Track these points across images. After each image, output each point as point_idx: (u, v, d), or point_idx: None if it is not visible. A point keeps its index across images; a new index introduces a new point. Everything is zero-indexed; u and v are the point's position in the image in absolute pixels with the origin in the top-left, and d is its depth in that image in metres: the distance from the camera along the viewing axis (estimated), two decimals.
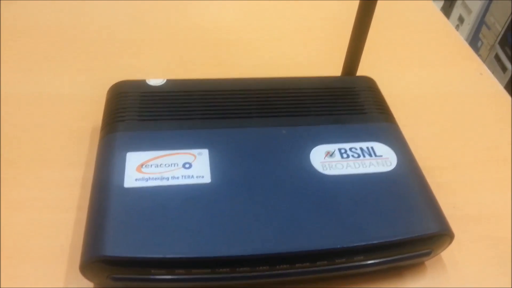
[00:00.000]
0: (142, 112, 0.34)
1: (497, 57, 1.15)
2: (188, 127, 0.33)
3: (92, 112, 0.40)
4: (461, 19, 1.32)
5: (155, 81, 0.37)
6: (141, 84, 0.37)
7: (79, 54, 0.48)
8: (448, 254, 0.32)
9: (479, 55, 1.23)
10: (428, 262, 0.32)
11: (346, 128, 0.35)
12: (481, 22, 1.24)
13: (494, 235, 0.34)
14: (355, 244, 0.28)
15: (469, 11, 1.27)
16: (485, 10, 1.21)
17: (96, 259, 0.26)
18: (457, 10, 1.33)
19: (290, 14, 0.57)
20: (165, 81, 0.37)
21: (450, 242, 0.30)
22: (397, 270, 0.31)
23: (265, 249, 0.27)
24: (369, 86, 0.40)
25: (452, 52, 0.53)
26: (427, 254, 0.30)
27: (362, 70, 0.41)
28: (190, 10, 0.57)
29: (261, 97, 0.37)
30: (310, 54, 0.51)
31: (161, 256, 0.26)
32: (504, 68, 1.11)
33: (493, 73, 1.18)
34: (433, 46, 0.54)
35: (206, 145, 0.32)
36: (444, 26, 0.58)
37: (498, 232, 0.34)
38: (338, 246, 0.27)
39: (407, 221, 0.29)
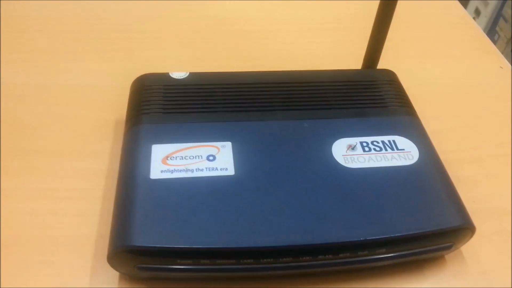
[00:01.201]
0: (166, 105, 0.35)
1: None
2: (211, 120, 0.34)
3: (116, 104, 0.40)
4: (477, 12, 1.30)
5: (178, 74, 0.37)
6: (165, 77, 0.37)
7: (102, 46, 0.49)
8: (468, 248, 0.32)
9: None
10: (448, 256, 0.32)
11: (368, 122, 0.35)
12: (498, 14, 1.22)
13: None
14: (378, 237, 0.28)
15: (485, 3, 1.25)
16: (503, 3, 1.19)
17: (123, 249, 0.26)
18: (474, 2, 1.31)
19: (311, 6, 0.57)
20: (188, 74, 0.38)
21: (471, 236, 0.30)
22: (416, 263, 0.32)
23: (289, 241, 0.27)
24: (390, 79, 0.40)
25: (472, 46, 0.53)
26: (448, 248, 0.30)
27: (382, 63, 0.41)
28: (211, 2, 0.57)
29: (282, 90, 0.37)
30: (330, 47, 0.51)
31: (187, 246, 0.27)
32: None
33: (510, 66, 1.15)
34: (453, 39, 0.53)
35: (229, 138, 0.33)
36: (464, 19, 0.57)
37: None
38: (361, 239, 0.28)
39: (429, 215, 0.29)
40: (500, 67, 0.49)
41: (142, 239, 0.27)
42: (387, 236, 0.28)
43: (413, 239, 0.29)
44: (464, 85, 0.47)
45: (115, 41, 0.50)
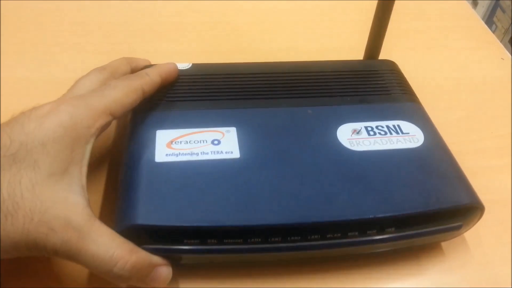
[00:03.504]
0: (170, 93, 0.35)
1: None
2: (215, 107, 0.34)
3: None
4: (475, 3, 1.30)
5: (181, 65, 0.37)
6: None
7: (104, 39, 0.49)
8: (471, 237, 0.33)
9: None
10: (452, 245, 0.32)
11: (371, 108, 0.35)
12: (495, 5, 1.22)
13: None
14: (387, 214, 0.27)
15: None
16: None
17: (129, 228, 0.26)
18: None
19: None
20: (191, 65, 0.37)
21: (481, 216, 0.30)
22: (425, 247, 0.32)
23: (297, 218, 0.27)
24: (392, 69, 0.40)
25: (474, 37, 0.53)
26: (458, 228, 0.30)
27: (384, 55, 0.41)
28: None
29: (285, 79, 0.37)
30: (334, 39, 0.51)
31: (194, 224, 0.26)
32: None
33: None
34: (454, 31, 0.53)
35: (234, 123, 0.32)
36: (465, 10, 0.57)
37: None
38: (370, 216, 0.27)
39: (438, 193, 0.29)
40: (502, 58, 0.49)
41: (147, 217, 0.26)
42: (396, 213, 0.28)
43: (422, 217, 0.28)
44: (465, 77, 0.47)
45: (117, 35, 0.50)
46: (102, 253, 0.24)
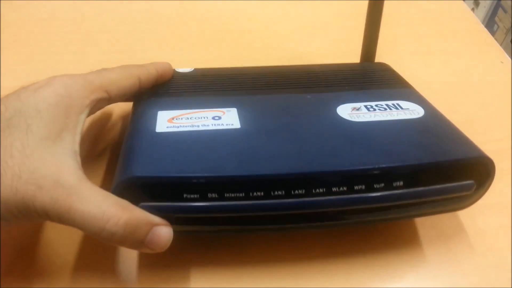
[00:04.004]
0: (171, 86, 0.35)
1: None
2: (216, 95, 0.34)
3: (120, 104, 0.40)
4: (476, 2, 1.30)
5: (184, 69, 0.38)
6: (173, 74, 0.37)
7: (106, 47, 0.49)
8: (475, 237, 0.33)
9: (495, 39, 1.21)
10: (452, 245, 0.32)
11: (369, 92, 0.35)
12: (497, 5, 1.22)
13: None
14: (393, 165, 0.27)
15: None
16: None
17: (125, 181, 0.25)
18: None
19: (312, 5, 0.57)
20: (193, 69, 0.38)
21: (492, 176, 0.29)
22: (437, 212, 0.31)
23: (300, 169, 0.26)
24: (387, 69, 0.40)
25: (473, 40, 0.53)
26: (470, 188, 0.29)
27: (381, 59, 0.41)
28: (211, 3, 0.57)
29: (286, 76, 0.38)
30: (332, 44, 0.52)
31: (192, 175, 0.25)
32: None
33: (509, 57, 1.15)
34: (453, 34, 0.54)
35: (234, 105, 0.32)
36: (465, 13, 0.57)
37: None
38: (376, 166, 0.26)
39: (445, 148, 0.29)
40: (501, 61, 0.50)
41: (145, 170, 0.25)
42: (401, 163, 0.27)
43: (429, 172, 0.27)
44: (464, 80, 0.47)
45: (118, 42, 0.50)
46: (93, 210, 0.23)
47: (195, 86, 0.36)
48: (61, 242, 0.31)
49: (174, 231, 0.26)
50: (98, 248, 0.31)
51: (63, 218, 0.23)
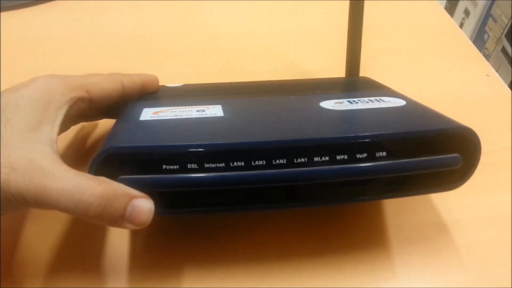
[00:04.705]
0: (159, 96, 0.36)
1: (503, 50, 1.14)
2: (203, 98, 0.35)
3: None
4: (467, 12, 1.31)
5: (173, 85, 0.39)
6: (160, 86, 0.38)
7: (97, 66, 0.50)
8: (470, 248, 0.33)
9: (486, 48, 1.23)
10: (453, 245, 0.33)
11: (352, 94, 0.36)
12: (487, 15, 1.24)
13: (504, 238, 0.35)
14: (376, 133, 0.26)
15: (474, 3, 1.26)
16: (491, 2, 1.20)
17: (104, 153, 0.24)
18: (463, 3, 1.33)
19: (301, 20, 0.58)
20: (182, 84, 0.39)
21: (478, 151, 0.29)
22: (426, 191, 0.30)
23: (281, 137, 0.26)
24: (371, 80, 0.41)
25: (458, 54, 0.54)
26: (456, 162, 0.28)
27: (367, 74, 0.42)
28: (200, 19, 0.58)
29: (271, 85, 0.40)
30: (322, 59, 0.52)
31: (170, 143, 0.25)
32: (511, 61, 1.11)
33: (500, 66, 1.17)
34: (439, 48, 0.54)
35: (219, 103, 0.33)
36: (450, 27, 0.58)
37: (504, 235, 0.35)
38: (358, 134, 0.26)
39: (429, 122, 0.29)
40: (487, 75, 0.50)
41: (122, 142, 0.26)
42: (385, 132, 0.27)
43: (414, 141, 0.27)
44: (450, 94, 0.48)
45: (110, 61, 0.51)
46: (68, 185, 0.23)
47: (183, 95, 0.37)
48: (46, 246, 0.32)
49: (157, 213, 0.25)
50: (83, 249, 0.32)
51: (38, 199, 0.23)
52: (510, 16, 1.11)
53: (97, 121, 0.42)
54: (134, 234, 0.34)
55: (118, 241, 0.33)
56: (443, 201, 0.37)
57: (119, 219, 0.24)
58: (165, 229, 0.34)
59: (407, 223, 0.35)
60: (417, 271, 0.32)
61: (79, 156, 0.39)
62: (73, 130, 0.40)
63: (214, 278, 0.31)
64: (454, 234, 0.34)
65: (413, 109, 0.32)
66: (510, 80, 1.09)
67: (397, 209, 0.36)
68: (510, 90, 0.48)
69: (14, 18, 0.56)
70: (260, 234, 0.34)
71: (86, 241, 0.33)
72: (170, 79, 0.40)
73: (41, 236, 0.33)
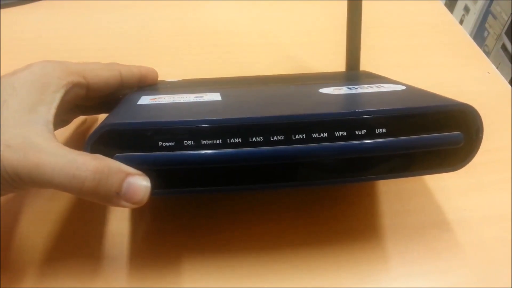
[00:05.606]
0: (158, 88, 0.36)
1: (503, 47, 1.14)
2: (201, 89, 0.35)
3: None
4: (466, 9, 1.31)
5: (172, 79, 0.39)
6: (159, 81, 0.38)
7: None
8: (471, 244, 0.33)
9: (486, 45, 1.22)
10: (453, 245, 0.33)
11: (351, 82, 0.36)
12: (487, 11, 1.23)
13: (504, 236, 0.35)
14: (375, 109, 0.26)
15: (474, 1, 1.26)
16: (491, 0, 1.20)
17: (100, 130, 0.24)
18: (463, 0, 1.32)
19: (302, 16, 0.58)
20: (181, 79, 0.40)
21: (480, 130, 0.28)
22: (429, 172, 0.29)
23: (279, 112, 0.25)
24: (371, 73, 0.41)
25: (459, 51, 0.54)
26: (457, 141, 0.28)
27: (368, 70, 0.42)
28: (200, 15, 0.57)
29: (271, 78, 0.40)
30: (322, 57, 0.52)
31: (166, 120, 0.25)
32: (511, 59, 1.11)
33: (500, 63, 1.16)
34: (439, 45, 0.54)
35: (218, 91, 0.32)
36: (451, 24, 0.58)
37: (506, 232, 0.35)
38: (357, 110, 0.25)
39: (429, 100, 0.29)
40: (488, 72, 0.50)
41: (119, 120, 0.25)
42: (384, 108, 0.26)
43: (414, 118, 0.26)
44: (451, 92, 0.46)
45: (107, 59, 0.50)
46: (62, 160, 0.23)
47: (182, 87, 0.37)
48: (43, 234, 0.32)
49: (153, 194, 0.25)
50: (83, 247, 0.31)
51: (33, 175, 0.23)
52: (510, 13, 1.11)
53: (98, 116, 0.42)
54: (133, 222, 0.34)
55: (117, 230, 0.33)
56: (446, 200, 0.36)
57: (115, 196, 0.24)
58: (163, 219, 0.34)
59: (409, 222, 0.35)
60: (420, 269, 0.32)
61: (80, 149, 0.39)
62: (75, 123, 0.40)
63: (208, 268, 0.31)
64: (457, 233, 0.34)
65: (413, 91, 0.32)
66: (510, 77, 1.09)
67: (399, 208, 0.36)
68: (510, 87, 0.48)
69: (11, 15, 0.55)
70: (255, 224, 0.34)
71: (85, 228, 0.33)
72: (169, 76, 0.40)
73: (38, 224, 0.33)
